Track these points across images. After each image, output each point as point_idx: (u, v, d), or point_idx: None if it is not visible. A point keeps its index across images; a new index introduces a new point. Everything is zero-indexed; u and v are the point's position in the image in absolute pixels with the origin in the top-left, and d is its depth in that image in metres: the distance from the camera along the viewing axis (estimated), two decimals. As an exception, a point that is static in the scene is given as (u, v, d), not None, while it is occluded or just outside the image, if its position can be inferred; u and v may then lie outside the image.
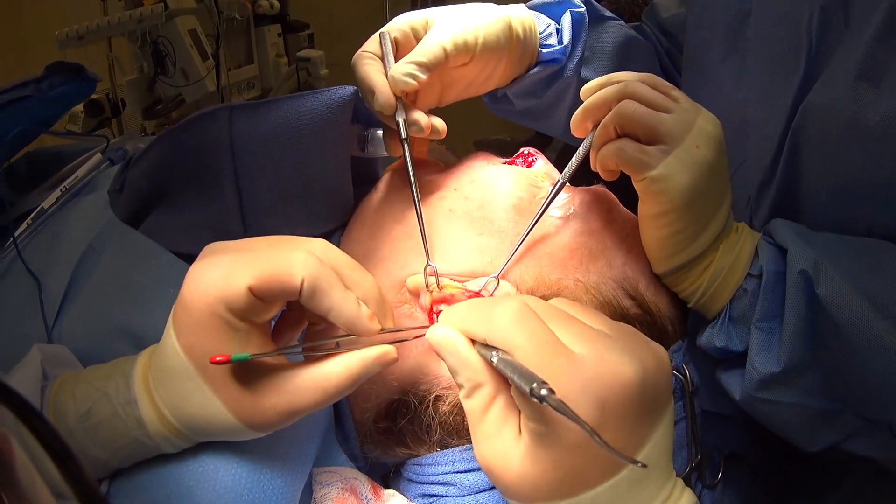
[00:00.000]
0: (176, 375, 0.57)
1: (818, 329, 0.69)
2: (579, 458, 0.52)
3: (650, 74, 0.74)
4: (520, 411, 0.54)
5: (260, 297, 0.56)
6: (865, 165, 0.74)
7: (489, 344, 0.55)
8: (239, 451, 0.61)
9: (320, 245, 0.61)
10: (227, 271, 0.56)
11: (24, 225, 0.88)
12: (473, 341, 0.57)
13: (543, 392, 0.46)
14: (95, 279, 0.77)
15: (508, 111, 1.03)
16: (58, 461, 0.33)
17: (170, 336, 0.57)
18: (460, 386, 0.57)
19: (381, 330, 0.60)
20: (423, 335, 0.65)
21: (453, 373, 0.58)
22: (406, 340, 0.65)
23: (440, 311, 0.70)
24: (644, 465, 0.49)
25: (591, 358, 0.53)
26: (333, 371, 0.58)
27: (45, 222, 0.89)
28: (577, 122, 0.76)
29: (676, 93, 0.73)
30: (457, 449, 0.69)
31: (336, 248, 0.62)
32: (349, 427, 0.74)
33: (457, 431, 0.69)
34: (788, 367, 0.69)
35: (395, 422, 0.71)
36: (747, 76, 0.89)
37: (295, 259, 0.57)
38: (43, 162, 1.06)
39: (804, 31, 0.79)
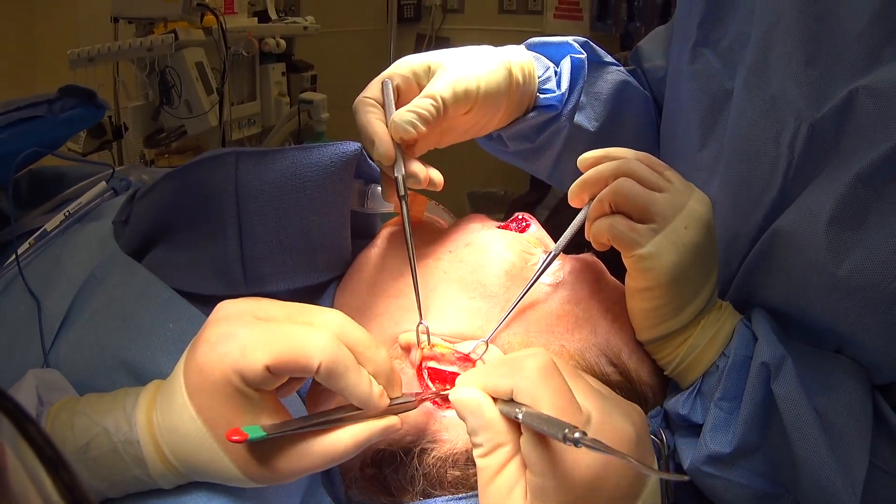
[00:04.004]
0: (186, 431, 0.59)
1: (769, 419, 0.72)
2: None
3: (646, 154, 0.76)
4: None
5: (275, 374, 0.58)
6: (825, 312, 0.75)
7: (513, 399, 0.58)
8: (231, 491, 0.63)
9: (336, 321, 0.63)
10: (244, 346, 0.58)
11: (27, 244, 0.88)
12: (495, 401, 0.60)
13: (577, 436, 0.48)
14: (95, 308, 0.78)
15: (500, 151, 1.04)
16: (50, 468, 0.33)
17: (181, 394, 0.59)
18: (477, 445, 0.60)
19: (390, 402, 0.64)
20: (427, 399, 0.69)
21: (473, 432, 0.60)
22: (412, 410, 0.67)
23: (429, 368, 0.72)
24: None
25: (598, 416, 0.58)
26: (341, 440, 0.61)
27: (48, 245, 0.90)
28: (575, 194, 0.78)
29: (670, 173, 0.75)
30: (439, 499, 0.70)
31: (351, 322, 0.64)
32: (335, 472, 0.75)
33: (439, 483, 0.70)
34: (737, 450, 0.71)
35: (380, 470, 0.72)
36: (719, 177, 0.87)
37: (313, 342, 0.59)
38: (45, 181, 1.06)
39: (785, 145, 0.76)
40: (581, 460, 0.55)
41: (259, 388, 0.59)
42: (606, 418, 0.59)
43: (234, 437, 0.55)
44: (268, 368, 0.57)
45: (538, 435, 0.56)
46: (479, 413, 0.60)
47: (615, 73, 1.02)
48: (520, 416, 0.56)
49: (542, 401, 0.56)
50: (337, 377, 0.59)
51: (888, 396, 0.74)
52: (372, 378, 0.62)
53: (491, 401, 0.60)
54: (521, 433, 0.58)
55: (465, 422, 0.61)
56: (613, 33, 3.69)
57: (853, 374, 0.73)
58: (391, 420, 0.63)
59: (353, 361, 0.60)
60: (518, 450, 0.58)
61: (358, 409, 0.62)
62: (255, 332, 0.59)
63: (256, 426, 0.57)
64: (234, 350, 0.57)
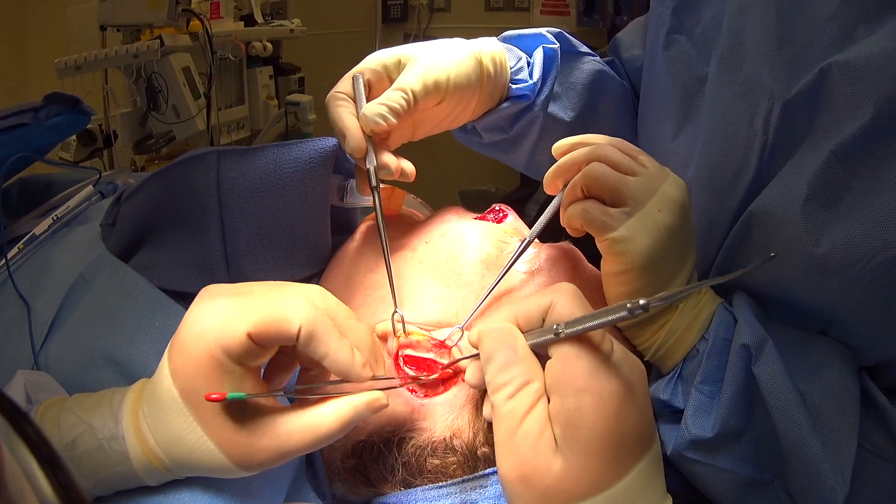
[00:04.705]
0: (170, 415, 0.59)
1: (753, 402, 0.71)
2: (615, 438, 0.56)
3: (620, 139, 0.77)
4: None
5: (258, 342, 0.58)
6: (806, 293, 0.74)
7: (547, 321, 0.59)
8: (217, 488, 0.63)
9: (317, 292, 0.63)
10: (225, 316, 0.58)
11: (16, 249, 0.89)
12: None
13: (643, 302, 0.49)
14: (84, 308, 0.78)
15: (476, 143, 1.04)
16: (45, 467, 0.33)
17: (165, 376, 0.59)
18: (502, 386, 0.58)
19: (372, 377, 0.62)
20: (408, 383, 0.69)
21: (501, 369, 0.59)
22: (395, 388, 0.67)
23: (405, 356, 0.73)
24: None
25: (617, 345, 0.58)
26: (325, 416, 0.60)
27: (37, 249, 0.90)
28: (549, 181, 0.78)
29: (644, 157, 0.75)
30: (419, 488, 0.70)
31: (332, 295, 0.64)
32: (318, 465, 0.76)
33: (419, 472, 0.70)
34: (720, 434, 0.71)
35: (361, 460, 0.72)
36: (695, 162, 0.87)
37: (293, 306, 0.59)
38: (34, 189, 1.07)
39: (759, 126, 0.76)
40: (614, 374, 0.56)
41: (242, 363, 0.59)
42: (623, 349, 0.59)
43: (213, 397, 0.55)
44: (249, 336, 0.57)
45: (572, 352, 0.56)
46: (512, 345, 0.59)
47: (591, 63, 1.02)
48: (562, 332, 0.56)
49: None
50: (318, 341, 0.59)
51: (877, 378, 0.74)
52: (354, 348, 0.61)
53: (521, 334, 0.60)
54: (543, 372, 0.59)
55: (490, 360, 0.60)
56: (601, 27, 3.69)
57: (837, 356, 0.73)
58: (376, 394, 0.62)
59: (333, 327, 0.60)
60: (544, 391, 0.58)
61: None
62: (234, 303, 0.59)
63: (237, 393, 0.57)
64: (216, 322, 0.58)
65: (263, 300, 0.60)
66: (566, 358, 0.57)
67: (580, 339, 0.57)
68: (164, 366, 0.60)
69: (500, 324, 0.61)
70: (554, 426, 0.57)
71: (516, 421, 0.57)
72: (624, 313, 0.50)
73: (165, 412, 0.59)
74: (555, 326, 0.57)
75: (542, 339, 0.59)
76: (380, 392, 0.63)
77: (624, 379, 0.56)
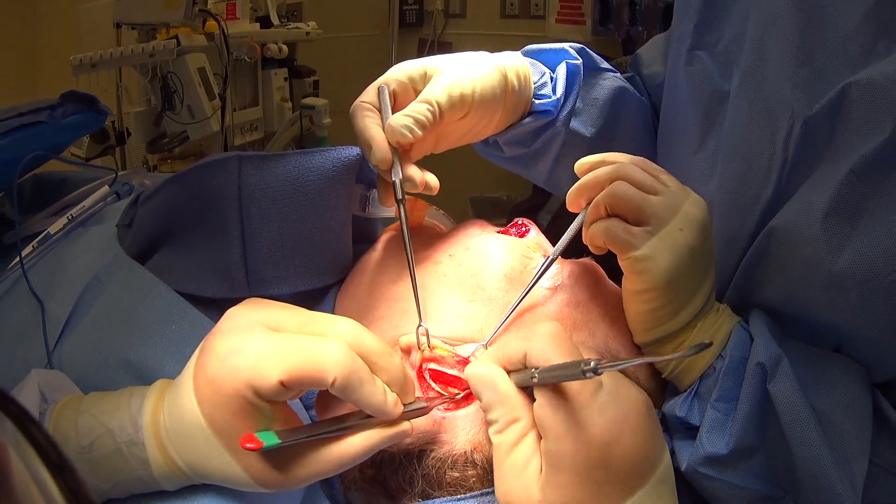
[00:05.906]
0: (195, 435, 0.59)
1: (767, 420, 0.71)
2: (598, 476, 0.57)
3: (642, 158, 0.77)
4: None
5: (290, 388, 0.58)
6: (823, 309, 0.75)
7: (526, 366, 0.61)
8: (236, 495, 0.63)
9: (350, 331, 0.63)
10: (258, 361, 0.58)
11: (30, 247, 0.89)
12: (509, 375, 0.63)
13: (593, 364, 0.51)
14: (99, 309, 0.78)
15: (497, 157, 1.04)
16: (54, 471, 0.33)
17: (190, 401, 0.59)
18: (492, 422, 0.63)
19: (405, 408, 0.64)
20: (439, 405, 0.69)
21: (488, 408, 0.63)
22: (424, 415, 0.67)
23: (430, 369, 0.73)
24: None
25: (609, 380, 0.60)
26: (353, 445, 0.62)
27: (51, 248, 0.90)
28: (572, 199, 0.78)
29: (666, 177, 0.75)
30: (438, 500, 0.70)
31: (365, 331, 0.64)
32: (334, 475, 0.75)
33: (438, 484, 0.70)
34: (734, 451, 0.71)
35: (379, 471, 0.72)
36: (715, 179, 0.88)
37: (328, 355, 0.59)
38: (48, 186, 1.07)
39: (780, 144, 0.77)
40: (595, 421, 0.57)
41: (272, 401, 0.59)
42: (618, 382, 0.61)
43: (249, 445, 0.55)
44: (282, 383, 0.57)
45: (553, 397, 0.58)
46: (493, 387, 0.62)
47: (612, 80, 1.02)
48: (535, 378, 0.58)
49: (555, 360, 0.58)
50: (352, 390, 0.59)
51: (889, 395, 0.75)
52: (386, 387, 0.62)
53: (505, 375, 0.62)
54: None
55: (479, 399, 0.63)
56: (615, 37, 3.71)
57: (852, 373, 0.74)
58: (403, 426, 0.64)
59: (367, 373, 0.60)
60: (533, 425, 0.60)
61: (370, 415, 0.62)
62: (267, 346, 0.59)
63: (270, 433, 0.57)
64: (247, 364, 0.58)
65: (296, 344, 0.60)
66: (545, 404, 0.59)
67: (559, 385, 0.59)
68: (189, 391, 0.60)
69: (483, 367, 0.64)
70: (543, 460, 0.59)
71: (504, 452, 0.62)
72: (577, 371, 0.52)
73: (190, 433, 0.59)
74: (532, 371, 0.59)
75: (523, 382, 0.62)
76: (408, 424, 0.65)
77: (608, 423, 0.58)
